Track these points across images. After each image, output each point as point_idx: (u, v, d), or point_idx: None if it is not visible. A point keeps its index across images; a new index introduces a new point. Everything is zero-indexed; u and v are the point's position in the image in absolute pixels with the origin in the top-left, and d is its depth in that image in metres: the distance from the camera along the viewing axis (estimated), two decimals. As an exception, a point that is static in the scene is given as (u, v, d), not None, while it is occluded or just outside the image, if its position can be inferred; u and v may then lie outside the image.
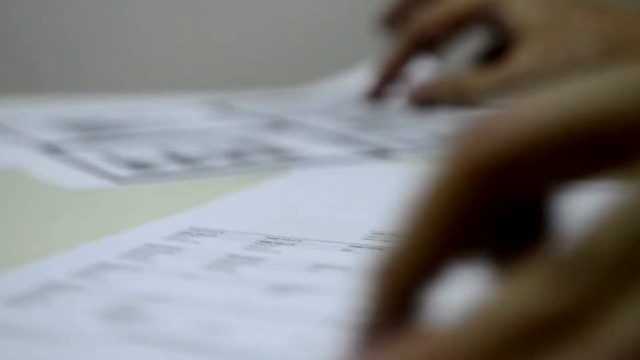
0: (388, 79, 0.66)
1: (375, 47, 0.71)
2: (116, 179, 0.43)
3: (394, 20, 0.69)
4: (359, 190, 0.42)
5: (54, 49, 1.03)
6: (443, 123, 0.59)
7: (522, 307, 0.18)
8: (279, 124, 0.57)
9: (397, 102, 0.64)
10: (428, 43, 0.65)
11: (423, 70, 0.68)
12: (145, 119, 0.59)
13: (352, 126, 0.57)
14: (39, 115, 0.59)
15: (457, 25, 0.65)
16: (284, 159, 0.48)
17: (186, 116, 0.60)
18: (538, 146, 0.18)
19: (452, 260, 0.19)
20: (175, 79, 1.02)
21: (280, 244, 0.31)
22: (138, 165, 0.46)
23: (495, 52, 0.67)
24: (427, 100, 0.64)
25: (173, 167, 0.46)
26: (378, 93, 0.65)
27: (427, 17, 0.65)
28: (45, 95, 0.68)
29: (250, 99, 0.68)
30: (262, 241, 0.32)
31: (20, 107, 0.63)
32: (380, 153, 0.50)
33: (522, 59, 0.63)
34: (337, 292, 0.26)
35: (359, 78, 0.71)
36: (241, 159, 0.48)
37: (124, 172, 0.44)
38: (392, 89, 0.66)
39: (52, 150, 0.49)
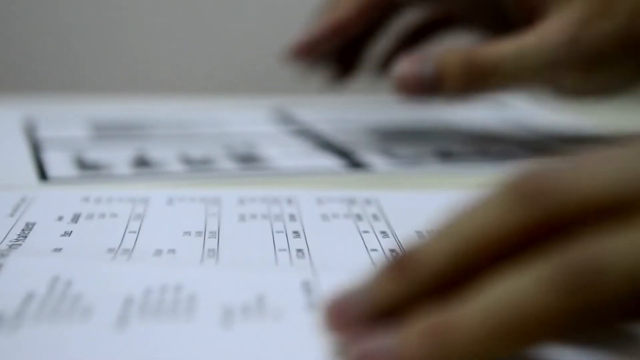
0: (327, 39, 0.50)
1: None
2: (46, 177, 0.43)
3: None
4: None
5: (98, 52, 1.07)
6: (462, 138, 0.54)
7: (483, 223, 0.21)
8: (298, 133, 0.55)
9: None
10: (393, 5, 0.49)
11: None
12: (168, 121, 0.58)
13: (363, 139, 0.54)
14: (76, 113, 0.60)
15: None
16: (250, 169, 0.46)
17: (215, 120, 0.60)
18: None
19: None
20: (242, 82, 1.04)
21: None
22: (88, 167, 0.45)
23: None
24: (424, 88, 0.43)
25: (124, 170, 0.45)
26: (307, 52, 0.51)
27: None
28: (86, 94, 0.70)
29: (309, 106, 0.66)
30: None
31: (62, 105, 0.65)
32: (357, 166, 0.47)
33: (560, 23, 0.44)
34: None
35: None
36: (205, 165, 0.46)
37: (66, 171, 0.44)
38: (326, 53, 0.51)
39: (36, 146, 0.50)
